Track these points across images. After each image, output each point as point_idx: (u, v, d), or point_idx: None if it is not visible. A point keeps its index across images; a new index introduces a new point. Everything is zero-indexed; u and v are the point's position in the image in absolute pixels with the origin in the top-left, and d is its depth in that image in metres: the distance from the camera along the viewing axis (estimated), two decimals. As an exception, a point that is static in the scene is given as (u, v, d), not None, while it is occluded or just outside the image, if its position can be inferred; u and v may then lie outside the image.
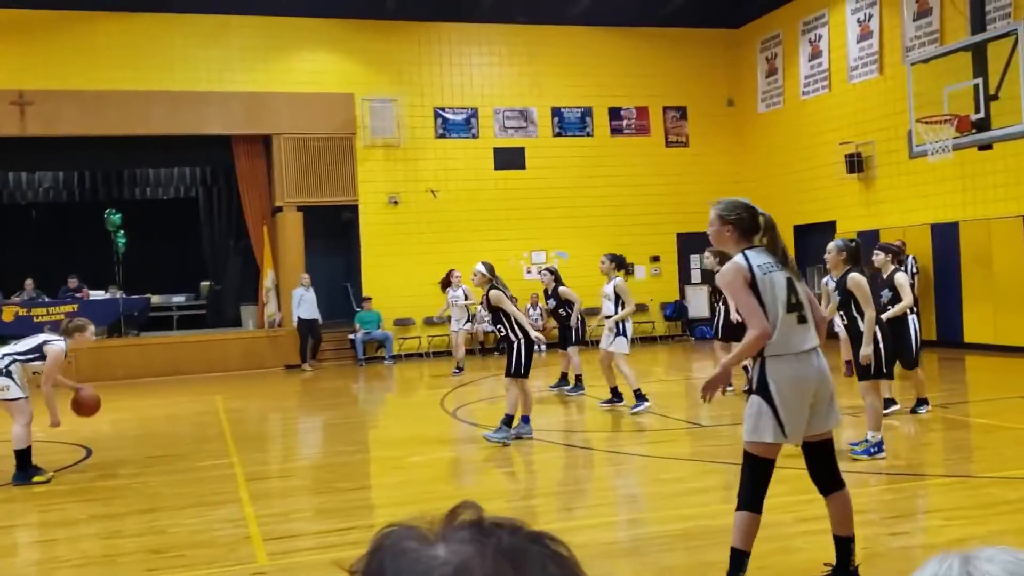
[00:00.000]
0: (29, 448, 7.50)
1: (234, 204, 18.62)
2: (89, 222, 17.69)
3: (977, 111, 11.73)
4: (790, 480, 6.41)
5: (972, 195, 14.69)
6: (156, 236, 19.07)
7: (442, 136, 19.00)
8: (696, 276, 20.17)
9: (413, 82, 18.73)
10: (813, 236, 18.48)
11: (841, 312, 7.06)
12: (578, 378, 11.68)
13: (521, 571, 0.84)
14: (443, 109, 19.01)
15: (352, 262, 18.60)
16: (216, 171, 19.01)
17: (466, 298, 15.29)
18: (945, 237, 15.08)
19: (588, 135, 19.82)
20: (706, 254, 10.21)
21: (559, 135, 19.66)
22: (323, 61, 18.21)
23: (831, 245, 7.05)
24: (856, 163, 16.90)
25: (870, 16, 16.76)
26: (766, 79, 19.85)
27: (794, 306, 4.09)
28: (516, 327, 8.39)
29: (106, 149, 17.40)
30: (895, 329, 7.81)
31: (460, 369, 14.84)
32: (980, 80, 11.74)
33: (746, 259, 4.11)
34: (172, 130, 17.13)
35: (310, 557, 5.35)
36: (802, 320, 4.11)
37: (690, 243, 19.95)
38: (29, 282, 16.91)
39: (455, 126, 19.09)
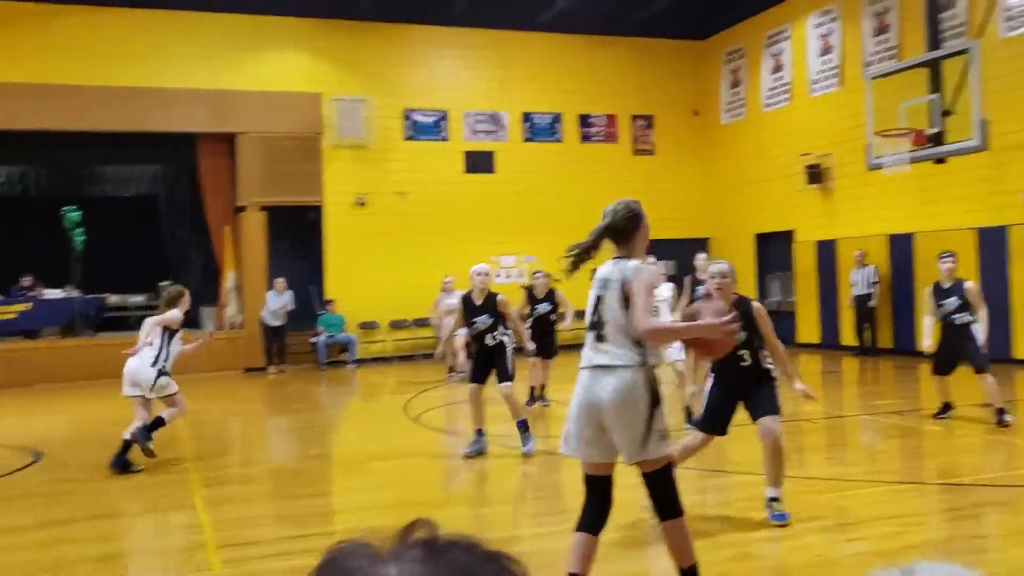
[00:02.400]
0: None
1: (196, 203, 18.44)
2: (46, 219, 17.40)
3: (933, 126, 12.02)
4: (746, 486, 6.53)
5: (927, 207, 15.02)
6: (116, 235, 18.79)
7: (411, 138, 19.00)
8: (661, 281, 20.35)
9: (383, 83, 18.71)
10: (773, 245, 18.77)
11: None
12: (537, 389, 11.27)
13: None
14: (413, 111, 19.01)
15: (316, 264, 18.52)
16: (179, 169, 18.81)
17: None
18: (901, 248, 15.40)
19: (558, 141, 19.95)
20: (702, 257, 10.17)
21: (529, 140, 19.76)
22: (291, 60, 18.13)
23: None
24: (816, 174, 17.20)
25: (831, 31, 17.07)
26: (730, 90, 20.12)
27: (593, 324, 4.03)
28: (512, 333, 8.27)
29: (66, 145, 17.13)
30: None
31: (459, 372, 13.67)
32: (935, 96, 12.02)
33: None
34: (135, 127, 16.92)
35: (266, 565, 5.24)
36: (599, 339, 3.97)
37: (657, 250, 19.99)
38: (-20, 279, 16.61)
39: (425, 128, 19.10)
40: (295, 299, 17.21)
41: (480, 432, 7.99)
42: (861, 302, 15.62)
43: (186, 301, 8.30)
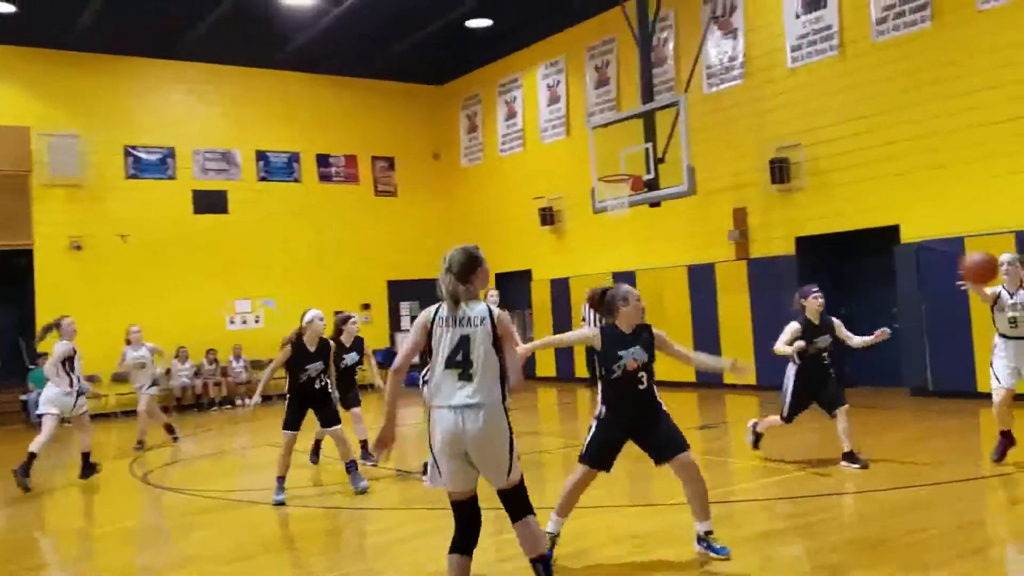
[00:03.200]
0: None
1: None
2: None
3: (648, 172, 13.08)
4: (492, 520, 6.66)
5: (646, 246, 16.33)
6: None
7: (134, 176, 17.86)
8: (406, 323, 20.47)
9: (101, 118, 17.47)
10: (512, 284, 19.51)
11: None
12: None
13: None
14: (135, 148, 17.89)
15: (27, 314, 16.78)
16: None
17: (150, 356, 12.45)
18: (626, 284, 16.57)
19: (296, 181, 19.58)
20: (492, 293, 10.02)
21: (264, 179, 19.23)
22: (-7, 91, 16.48)
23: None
24: (548, 216, 18.15)
25: (558, 82, 18.20)
26: (468, 135, 20.81)
27: (456, 363, 4.21)
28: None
29: None
30: None
31: (140, 444, 12.15)
32: (650, 144, 13.11)
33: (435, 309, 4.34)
34: None
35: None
36: (464, 377, 4.18)
37: (400, 290, 20.26)
38: None
39: (149, 166, 18.03)
40: (0, 353, 15.47)
41: (282, 480, 7.89)
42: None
43: None
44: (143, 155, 18.01)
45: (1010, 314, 7.44)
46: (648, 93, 13.87)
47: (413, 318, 19.31)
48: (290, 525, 7.31)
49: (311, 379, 8.08)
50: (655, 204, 13.91)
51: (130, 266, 17.44)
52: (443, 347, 4.24)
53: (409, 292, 20.37)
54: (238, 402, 17.89)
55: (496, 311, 4.29)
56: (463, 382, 4.19)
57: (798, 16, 13.79)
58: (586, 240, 17.59)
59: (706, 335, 15.12)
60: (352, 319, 9.76)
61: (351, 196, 20.18)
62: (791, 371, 8.09)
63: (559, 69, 18.19)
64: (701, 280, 15.21)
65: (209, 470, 10.63)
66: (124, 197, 17.68)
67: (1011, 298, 7.46)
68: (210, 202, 18.55)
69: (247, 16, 16.68)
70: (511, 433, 4.26)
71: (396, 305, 20.47)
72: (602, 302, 5.65)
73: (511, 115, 19.47)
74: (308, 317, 8.24)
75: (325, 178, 19.99)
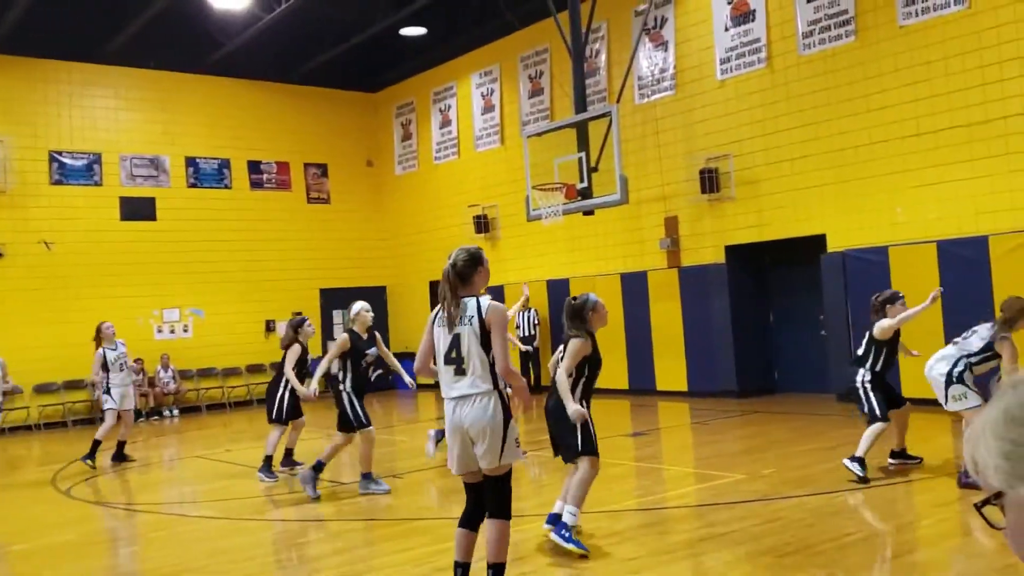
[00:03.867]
0: None
1: None
2: None
3: (582, 181, 13.20)
4: (428, 531, 6.64)
5: (579, 255, 16.47)
6: None
7: (59, 182, 17.34)
8: (339, 332, 20.24)
9: (23, 122, 16.94)
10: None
11: None
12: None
13: None
14: (60, 153, 17.38)
15: (-58, 323, 16.15)
16: None
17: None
18: (558, 292, 16.68)
19: (226, 187, 19.24)
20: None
21: (194, 186, 18.85)
22: (-94, 92, 15.84)
23: None
24: (483, 224, 18.18)
25: (492, 91, 18.26)
26: (402, 143, 20.73)
27: (452, 360, 4.65)
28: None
29: None
30: None
31: (90, 457, 11.00)
32: (583, 154, 13.24)
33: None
34: None
35: None
36: (459, 372, 4.64)
37: (333, 298, 20.05)
38: None
39: (75, 172, 17.52)
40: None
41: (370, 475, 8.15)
42: (526, 343, 16.67)
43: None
44: (68, 161, 17.50)
45: None
46: (581, 103, 14.00)
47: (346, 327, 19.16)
48: (222, 539, 7.17)
49: (368, 366, 8.15)
50: (588, 212, 14.04)
51: (54, 274, 16.92)
52: (441, 346, 4.67)
53: (342, 300, 20.15)
54: (165, 413, 17.48)
55: (486, 304, 4.62)
56: (458, 376, 4.63)
57: (727, 29, 14.08)
58: (520, 248, 17.67)
59: (639, 342, 15.31)
60: (307, 321, 9.62)
61: (283, 203, 19.92)
62: (866, 376, 7.81)
63: (493, 78, 18.25)
64: (634, 288, 15.39)
65: (136, 482, 10.36)
66: (49, 204, 17.15)
67: None
68: (138, 209, 18.11)
69: (177, 20, 16.36)
70: (506, 418, 4.63)
71: (329, 313, 20.25)
72: (575, 312, 6.39)
73: (445, 123, 19.46)
74: (356, 309, 8.28)
75: (257, 185, 19.69)
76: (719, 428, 11.23)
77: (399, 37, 18.61)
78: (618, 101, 13.80)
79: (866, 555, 5.39)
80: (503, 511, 4.66)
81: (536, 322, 16.74)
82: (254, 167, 19.64)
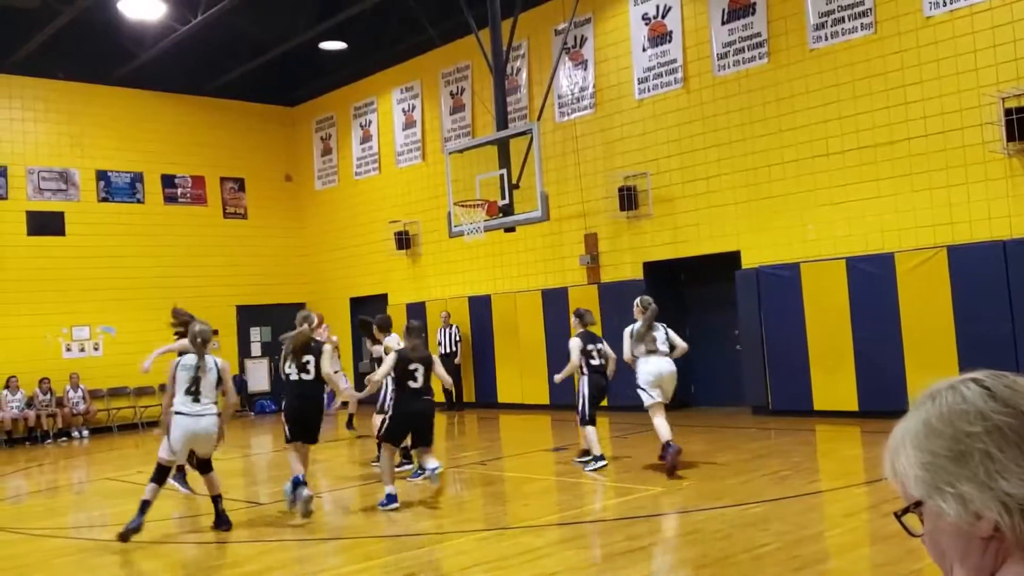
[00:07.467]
0: None
1: None
2: None
3: (503, 198, 13.25)
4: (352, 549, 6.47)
5: (501, 271, 16.52)
6: None
7: (-40, 196, 16.61)
8: (256, 349, 19.85)
9: (-80, 133, 16.19)
10: (367, 308, 19.28)
11: None
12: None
13: None
14: (-39, 165, 16.66)
15: None
16: None
17: None
18: (480, 308, 16.70)
19: (139, 202, 18.71)
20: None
21: (105, 200, 18.28)
22: None
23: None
24: (404, 240, 18.09)
25: (413, 107, 18.22)
26: (322, 158, 20.50)
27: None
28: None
29: None
30: None
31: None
32: (505, 171, 13.30)
33: None
34: None
35: None
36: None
37: (250, 316, 19.65)
38: None
39: (-24, 186, 16.82)
40: None
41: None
42: (447, 360, 16.60)
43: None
44: (-31, 173, 16.78)
45: None
46: (503, 120, 14.08)
47: (264, 344, 18.82)
48: (133, 564, 6.92)
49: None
50: (510, 229, 14.09)
51: (-48, 291, 16.19)
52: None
53: (260, 317, 19.80)
54: (75, 434, 16.83)
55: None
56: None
57: (645, 49, 14.36)
58: (442, 264, 17.62)
59: (560, 358, 15.35)
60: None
61: (198, 218, 19.46)
62: None
63: (415, 94, 18.22)
64: (554, 304, 15.49)
65: (42, 507, 9.94)
66: (-54, 217, 16.42)
67: None
68: (45, 223, 17.46)
69: (86, 31, 15.89)
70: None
71: (247, 331, 19.83)
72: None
73: (366, 138, 19.33)
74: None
75: (171, 199, 19.20)
76: (637, 442, 11.36)
77: (319, 51, 18.44)
78: (539, 119, 13.92)
79: (780, 565, 5.50)
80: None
81: (458, 339, 16.71)
82: (168, 181, 19.16)
